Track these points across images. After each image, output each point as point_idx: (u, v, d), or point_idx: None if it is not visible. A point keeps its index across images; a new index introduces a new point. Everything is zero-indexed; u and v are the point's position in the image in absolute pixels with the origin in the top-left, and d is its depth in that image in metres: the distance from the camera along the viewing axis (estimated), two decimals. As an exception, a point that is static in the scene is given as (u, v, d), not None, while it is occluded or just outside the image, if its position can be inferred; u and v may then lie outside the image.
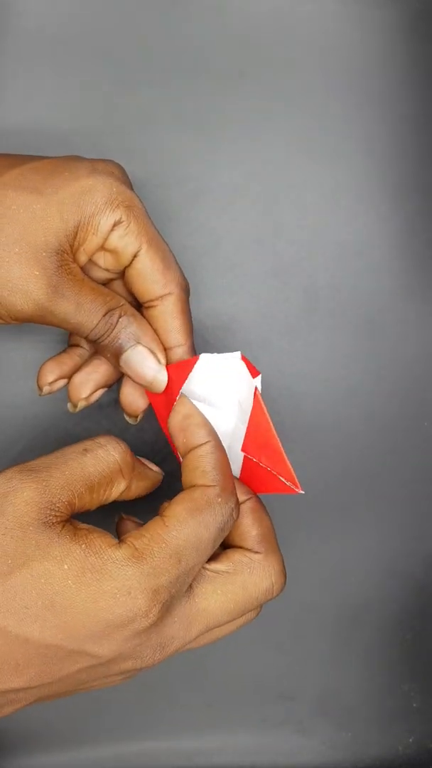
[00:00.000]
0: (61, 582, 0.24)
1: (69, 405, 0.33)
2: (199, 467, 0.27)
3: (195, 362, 0.30)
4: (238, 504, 0.28)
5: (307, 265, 0.38)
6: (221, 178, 0.37)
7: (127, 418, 0.33)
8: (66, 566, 0.24)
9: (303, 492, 0.29)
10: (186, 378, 0.30)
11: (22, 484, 0.25)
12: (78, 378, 0.33)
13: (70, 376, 0.33)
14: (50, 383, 0.33)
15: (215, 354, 0.30)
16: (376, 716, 0.40)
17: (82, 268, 0.32)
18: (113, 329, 0.30)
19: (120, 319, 0.30)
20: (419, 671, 0.40)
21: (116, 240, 0.30)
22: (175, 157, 0.37)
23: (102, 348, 0.30)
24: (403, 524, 0.39)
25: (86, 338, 0.30)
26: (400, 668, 0.40)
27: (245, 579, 0.28)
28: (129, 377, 0.31)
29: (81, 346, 0.34)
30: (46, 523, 0.25)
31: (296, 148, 0.38)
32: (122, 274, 0.32)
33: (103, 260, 0.31)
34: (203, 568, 0.27)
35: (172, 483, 0.33)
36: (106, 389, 0.33)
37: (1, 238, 0.28)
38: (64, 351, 0.34)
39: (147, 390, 0.31)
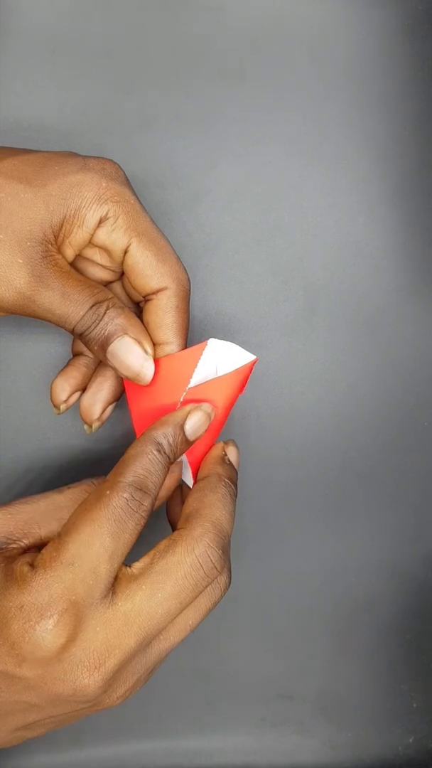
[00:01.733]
0: None
1: (85, 427, 0.33)
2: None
3: (202, 350, 0.30)
4: (139, 494, 0.26)
5: (306, 265, 0.38)
6: (221, 178, 0.37)
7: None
8: None
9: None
10: (193, 369, 0.30)
11: None
12: (86, 401, 0.33)
13: (82, 388, 0.33)
14: (65, 401, 0.33)
15: (225, 342, 0.30)
16: (376, 716, 0.40)
17: (78, 265, 0.32)
18: (100, 320, 0.29)
19: (108, 311, 0.29)
20: (419, 671, 0.40)
21: (104, 236, 0.30)
22: (175, 157, 0.37)
23: (88, 340, 0.30)
24: (403, 524, 0.39)
25: (72, 331, 0.29)
26: (400, 668, 0.40)
27: (167, 562, 0.26)
28: (115, 369, 0.30)
29: (84, 354, 0.33)
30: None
31: (296, 148, 0.38)
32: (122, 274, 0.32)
33: (100, 257, 0.31)
34: (128, 568, 0.26)
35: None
36: (115, 403, 0.33)
37: None
38: (68, 364, 0.33)
39: (132, 383, 0.31)
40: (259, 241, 0.38)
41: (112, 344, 0.29)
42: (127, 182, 0.31)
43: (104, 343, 0.29)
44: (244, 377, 0.30)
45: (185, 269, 0.31)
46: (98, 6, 0.37)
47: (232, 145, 0.37)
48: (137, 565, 0.26)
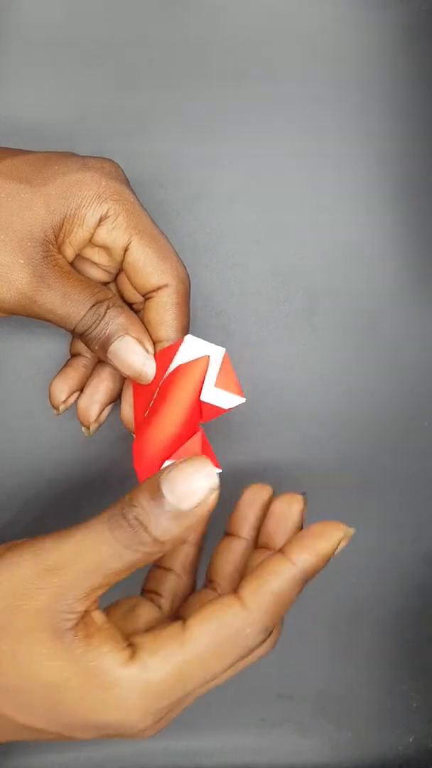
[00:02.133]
0: (66, 693, 0.24)
1: (83, 430, 0.33)
2: (259, 578, 0.25)
3: (179, 346, 0.30)
4: (272, 637, 0.25)
5: (306, 265, 0.38)
6: (221, 178, 0.37)
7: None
8: (73, 683, 0.24)
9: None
10: (170, 363, 0.30)
11: (37, 592, 0.24)
12: (83, 403, 0.33)
13: (80, 388, 0.33)
14: (64, 401, 0.33)
15: (201, 340, 0.30)
16: (376, 716, 0.40)
17: (75, 265, 0.32)
18: (101, 320, 0.29)
19: (108, 311, 0.29)
20: (419, 671, 0.40)
21: (104, 234, 0.30)
22: (175, 158, 0.37)
23: (89, 340, 0.30)
24: (402, 524, 0.39)
25: (73, 331, 0.29)
26: (400, 668, 0.40)
27: (229, 635, 0.24)
28: (117, 369, 0.30)
29: (82, 355, 0.33)
30: (57, 630, 0.24)
31: (296, 148, 0.38)
32: (119, 273, 0.32)
33: (98, 257, 0.31)
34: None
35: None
36: (112, 404, 0.33)
37: None
38: (67, 364, 0.33)
39: (134, 382, 0.31)
40: (259, 241, 0.38)
41: (113, 344, 0.29)
42: (126, 181, 0.31)
43: (105, 343, 0.30)
44: (203, 370, 0.29)
45: (185, 266, 0.31)
46: (98, 6, 0.37)
47: (232, 145, 0.37)
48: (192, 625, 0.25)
